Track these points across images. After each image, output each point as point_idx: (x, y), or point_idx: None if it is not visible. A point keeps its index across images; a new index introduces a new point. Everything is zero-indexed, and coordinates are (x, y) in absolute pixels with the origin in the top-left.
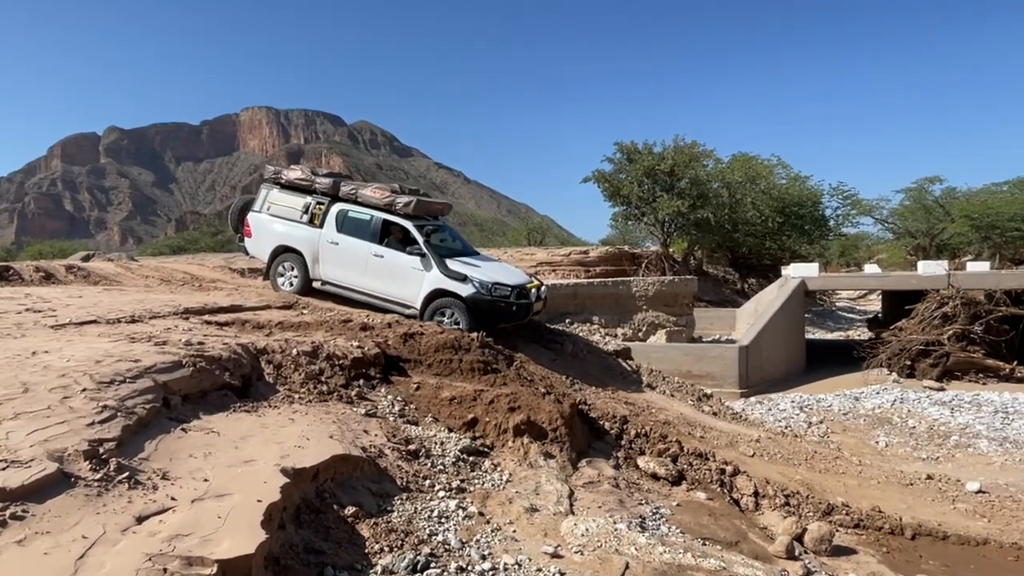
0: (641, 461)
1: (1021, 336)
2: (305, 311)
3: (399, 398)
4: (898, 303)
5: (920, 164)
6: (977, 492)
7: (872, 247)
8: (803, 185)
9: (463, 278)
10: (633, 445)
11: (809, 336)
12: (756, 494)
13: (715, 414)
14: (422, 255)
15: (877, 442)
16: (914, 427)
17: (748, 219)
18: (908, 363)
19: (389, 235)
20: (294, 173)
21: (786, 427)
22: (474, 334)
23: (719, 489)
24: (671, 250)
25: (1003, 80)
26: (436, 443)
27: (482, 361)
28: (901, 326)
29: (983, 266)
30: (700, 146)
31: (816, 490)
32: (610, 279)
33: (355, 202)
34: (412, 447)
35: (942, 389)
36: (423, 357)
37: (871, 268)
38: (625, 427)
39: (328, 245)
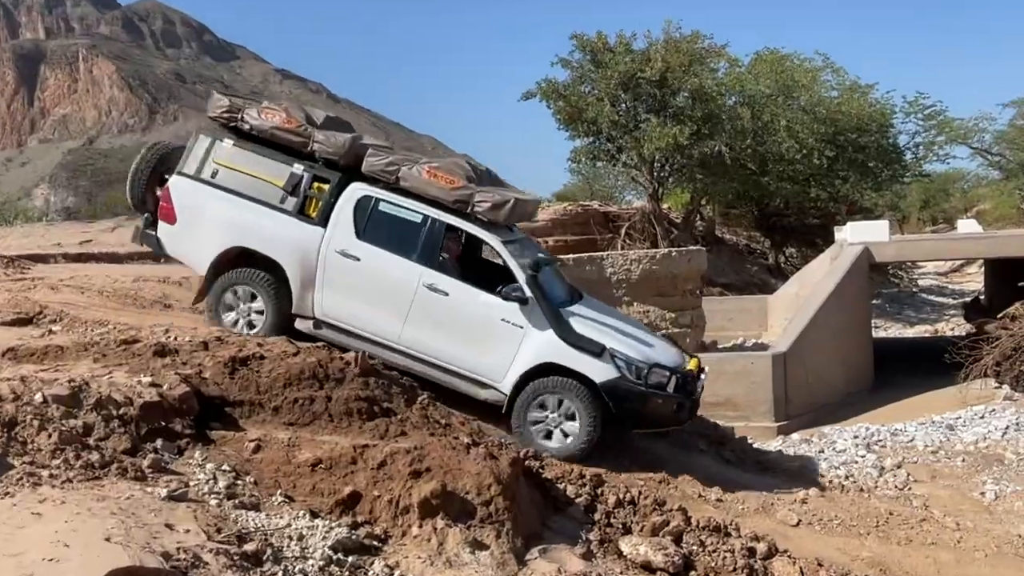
0: (626, 544)
1: None
2: (55, 327)
3: (227, 466)
4: (1009, 278)
5: None
6: None
7: (970, 193)
8: (864, 99)
9: (599, 350)
10: (613, 519)
11: (879, 334)
12: None
13: (739, 462)
14: (522, 300)
15: (983, 492)
16: None
17: (782, 153)
18: None
19: (447, 252)
20: (272, 115)
21: (847, 477)
22: (350, 354)
23: None
24: (666, 206)
25: None
26: (292, 538)
27: (366, 398)
28: (1014, 313)
29: None
30: (705, 40)
31: (893, 572)
32: (571, 255)
33: (395, 187)
34: (251, 547)
35: None
36: (265, 396)
37: (968, 225)
38: (599, 492)
39: (338, 259)
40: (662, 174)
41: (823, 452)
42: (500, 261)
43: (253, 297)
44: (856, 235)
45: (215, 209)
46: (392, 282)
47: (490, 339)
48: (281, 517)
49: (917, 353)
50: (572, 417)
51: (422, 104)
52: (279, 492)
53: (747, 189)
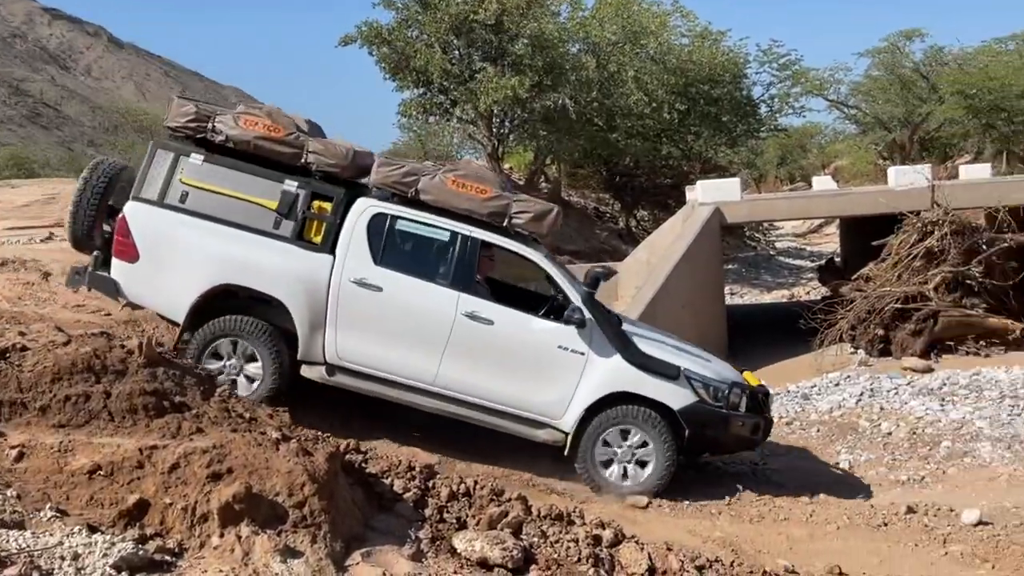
0: (460, 540)
1: None
2: None
3: None
4: (865, 237)
5: (892, 12)
6: (976, 524)
7: (827, 149)
8: (716, 48)
9: (675, 374)
10: (446, 514)
11: (735, 301)
12: (652, 571)
13: None
14: (580, 323)
15: (837, 462)
16: (890, 433)
17: (631, 107)
18: (880, 332)
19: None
20: (254, 123)
21: None
22: (133, 341)
23: (593, 572)
24: (507, 166)
25: None
26: (65, 558)
27: (153, 392)
28: (868, 274)
29: (982, 170)
30: None
31: (745, 551)
32: None
33: (414, 202)
34: (12, 571)
35: (929, 370)
36: (29, 395)
37: (822, 182)
38: (431, 485)
39: (354, 290)
40: (502, 130)
41: None
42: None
43: (248, 347)
44: (707, 195)
45: (190, 240)
46: (424, 313)
47: (546, 370)
48: (51, 534)
49: (773, 319)
50: (644, 448)
51: (225, 50)
52: (49, 506)
53: (595, 147)
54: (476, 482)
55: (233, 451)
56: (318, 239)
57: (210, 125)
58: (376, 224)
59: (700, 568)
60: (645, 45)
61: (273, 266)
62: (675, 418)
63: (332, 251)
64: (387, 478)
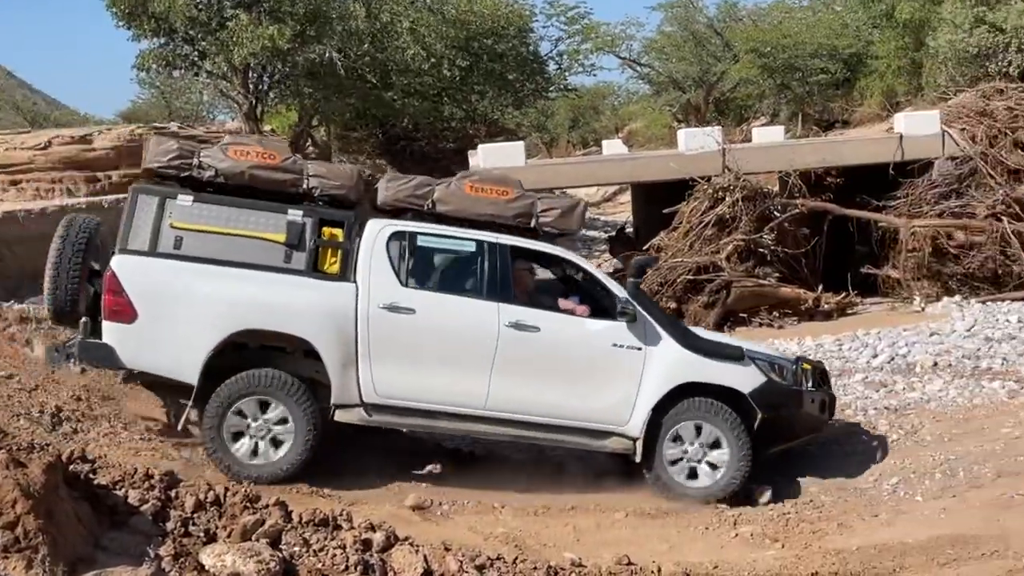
0: (208, 555)
1: (829, 243)
2: None
3: None
4: (658, 205)
5: None
6: (767, 504)
7: (621, 111)
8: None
9: (739, 354)
10: (192, 526)
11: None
12: (428, 573)
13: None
14: (631, 317)
15: None
16: None
17: (407, 62)
18: (673, 306)
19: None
20: (245, 153)
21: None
22: None
23: None
24: (268, 128)
25: None
26: None
27: None
28: (660, 244)
29: (775, 132)
30: None
31: (530, 546)
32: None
33: (431, 215)
34: None
35: None
36: None
37: (613, 146)
38: (173, 494)
39: (385, 317)
40: (260, 87)
41: None
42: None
43: (278, 404)
44: (489, 160)
45: (194, 288)
46: (464, 330)
47: (604, 372)
48: None
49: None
50: (716, 445)
51: None
52: None
53: (368, 106)
54: (227, 488)
55: None
56: (335, 268)
57: (195, 161)
58: (395, 244)
59: (480, 567)
60: None
61: (293, 303)
62: (749, 405)
63: (352, 279)
64: (120, 489)
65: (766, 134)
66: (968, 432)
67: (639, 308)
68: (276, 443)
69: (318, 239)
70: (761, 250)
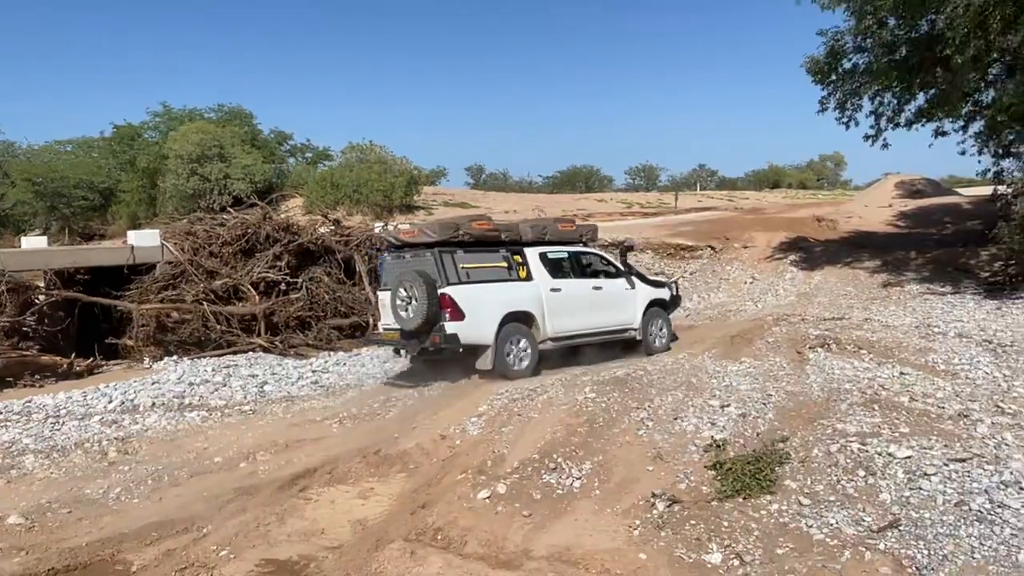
0: None
1: (80, 322)
2: None
3: None
4: None
5: None
6: (20, 524)
7: None
8: None
9: (664, 284)
10: None
11: None
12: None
13: None
14: (627, 277)
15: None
16: None
17: None
18: None
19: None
20: (483, 224)
21: None
22: None
23: None
24: None
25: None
26: None
27: None
28: None
29: (40, 242)
30: None
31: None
32: None
33: (548, 242)
34: None
35: None
36: None
37: None
38: None
39: (552, 295)
40: None
41: None
42: (607, 258)
43: (519, 341)
44: None
45: (482, 296)
46: (581, 295)
47: (625, 302)
48: None
49: None
50: (662, 327)
51: None
52: None
53: None
54: None
55: None
56: (523, 275)
57: (460, 232)
58: (542, 259)
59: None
60: None
61: (522, 295)
62: (667, 306)
63: (531, 279)
64: None
65: (33, 242)
66: (177, 450)
67: (631, 274)
68: (521, 359)
69: (513, 262)
70: (26, 328)
